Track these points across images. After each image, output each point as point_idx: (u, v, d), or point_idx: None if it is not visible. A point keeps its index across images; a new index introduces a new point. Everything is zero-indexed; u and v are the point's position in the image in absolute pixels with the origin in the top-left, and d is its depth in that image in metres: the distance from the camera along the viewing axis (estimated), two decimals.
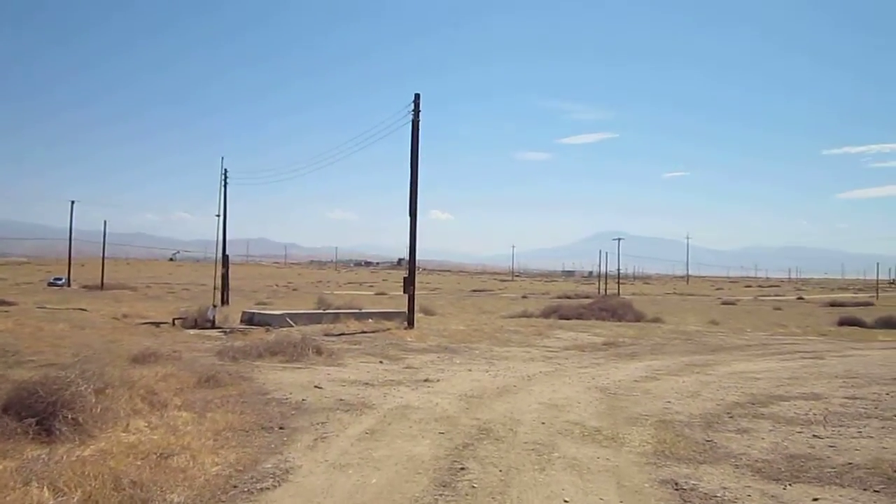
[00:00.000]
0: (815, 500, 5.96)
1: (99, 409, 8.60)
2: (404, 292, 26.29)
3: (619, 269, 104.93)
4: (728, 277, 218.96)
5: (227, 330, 22.08)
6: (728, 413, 10.24)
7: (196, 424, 8.64)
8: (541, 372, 15.25)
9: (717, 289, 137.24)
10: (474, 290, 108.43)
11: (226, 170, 37.56)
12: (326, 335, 21.20)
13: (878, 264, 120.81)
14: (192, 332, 21.84)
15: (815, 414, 10.16)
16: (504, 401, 10.84)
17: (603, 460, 7.25)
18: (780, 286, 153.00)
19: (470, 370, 15.22)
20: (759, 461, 7.23)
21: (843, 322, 39.80)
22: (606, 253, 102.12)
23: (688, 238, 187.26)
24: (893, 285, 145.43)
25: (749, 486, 6.39)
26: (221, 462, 6.99)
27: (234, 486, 6.30)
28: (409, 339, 21.67)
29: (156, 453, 7.12)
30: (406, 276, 26.48)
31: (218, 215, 29.22)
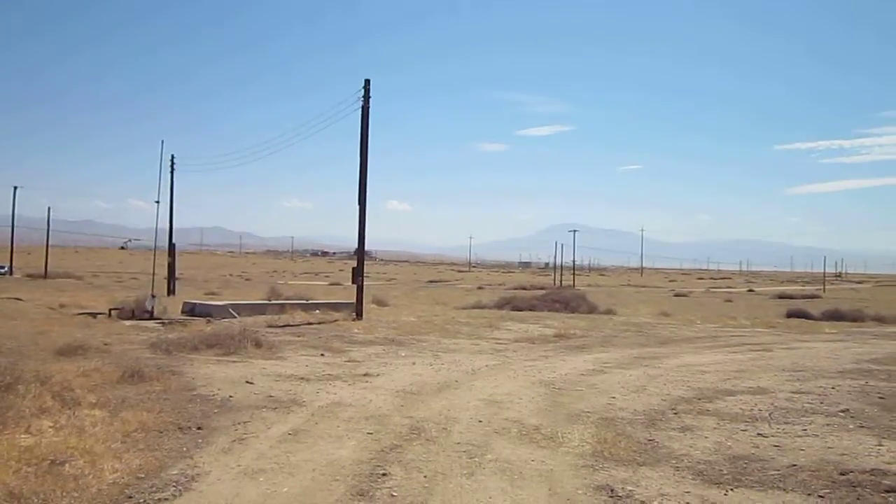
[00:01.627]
0: None
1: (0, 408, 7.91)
2: (353, 282, 25.68)
3: (574, 261, 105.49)
4: (681, 270, 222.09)
5: (166, 321, 21.22)
6: (672, 409, 9.93)
7: (106, 425, 7.98)
8: (486, 365, 14.83)
9: (671, 281, 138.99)
10: (430, 281, 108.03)
11: (172, 155, 36.37)
12: (270, 327, 20.49)
13: (825, 258, 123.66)
14: (128, 323, 20.91)
15: (760, 410, 9.90)
16: (443, 397, 10.36)
17: (538, 463, 6.81)
18: (732, 278, 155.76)
19: (413, 363, 14.72)
20: (700, 463, 6.87)
21: (791, 314, 40.33)
22: (562, 245, 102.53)
23: (642, 231, 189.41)
24: (839, 278, 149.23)
25: (688, 492, 6.01)
26: (122, 468, 6.37)
27: (129, 497, 5.70)
28: (355, 331, 21.08)
29: (50, 458, 6.48)
30: (355, 266, 25.85)
31: (157, 201, 28.17)
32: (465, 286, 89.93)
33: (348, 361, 14.75)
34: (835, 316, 38.95)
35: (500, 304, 39.20)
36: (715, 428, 8.47)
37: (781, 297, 72.21)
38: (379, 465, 6.54)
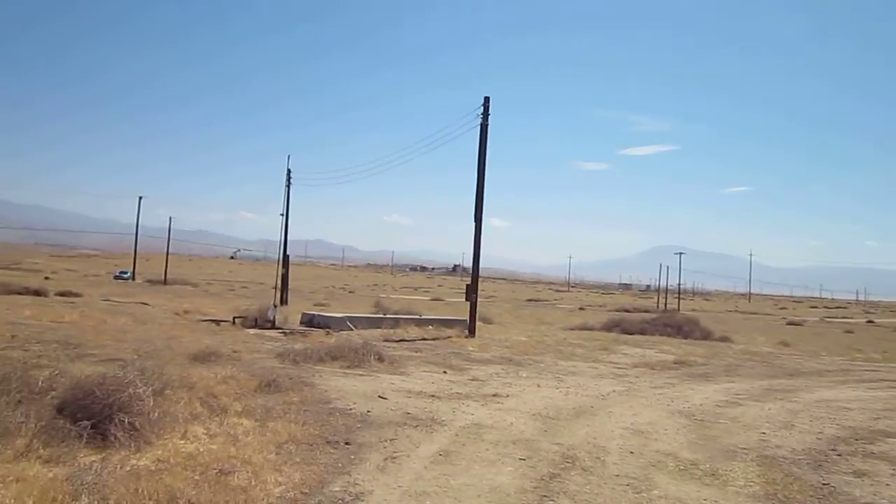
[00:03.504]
0: None
1: (157, 414, 8.12)
2: (466, 299, 25.58)
3: (679, 284, 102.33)
4: (791, 296, 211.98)
5: (287, 331, 21.69)
6: (833, 449, 9.26)
7: (257, 434, 8.08)
8: (614, 391, 14.38)
9: (781, 308, 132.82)
10: (529, 300, 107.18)
11: (289, 169, 37.43)
12: (386, 341, 20.63)
13: None
14: (251, 331, 21.51)
15: None
16: (583, 423, 10.02)
17: (709, 503, 6.40)
18: (847, 308, 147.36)
19: (538, 385, 14.44)
20: None
21: None
22: (667, 267, 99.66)
23: (751, 254, 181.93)
24: None
25: None
26: (285, 482, 6.38)
27: None
28: (470, 349, 20.96)
29: (215, 468, 6.56)
30: (469, 283, 25.76)
31: (282, 214, 29.01)
32: (565, 306, 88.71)
33: (472, 380, 14.60)
34: None
35: (609, 327, 38.23)
36: (893, 474, 7.80)
37: None
38: (545, 496, 6.30)
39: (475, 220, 25.14)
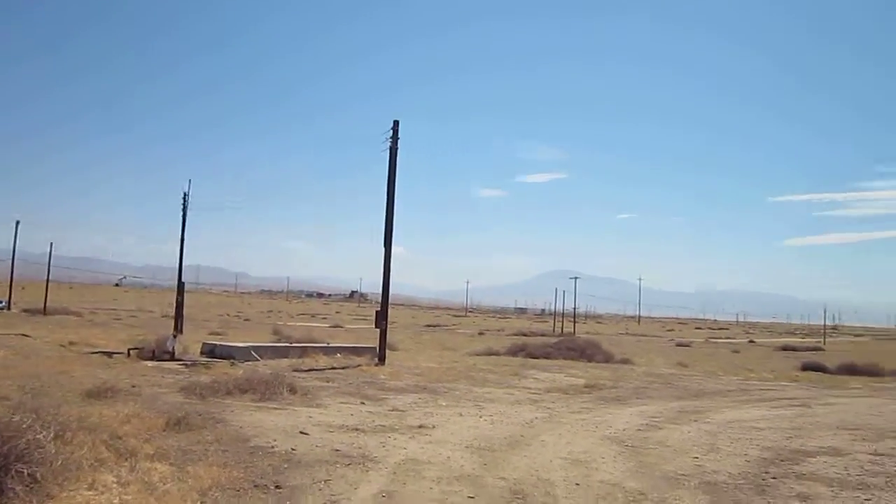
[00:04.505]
0: None
1: (59, 462, 7.22)
2: (376, 326, 24.98)
3: (574, 308, 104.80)
4: (678, 319, 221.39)
5: (189, 363, 20.43)
6: (766, 472, 9.32)
7: (176, 481, 7.31)
8: (536, 418, 14.20)
9: (669, 329, 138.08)
10: (428, 325, 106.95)
11: (185, 194, 35.83)
12: (296, 371, 19.76)
13: (825, 310, 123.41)
14: (149, 364, 20.11)
15: (861, 475, 9.30)
16: (519, 454, 9.70)
17: None
18: (729, 329, 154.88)
19: (461, 414, 14.07)
20: None
21: (806, 367, 39.64)
22: (563, 291, 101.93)
23: (640, 279, 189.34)
24: (836, 330, 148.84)
25: None
26: None
27: None
28: (383, 377, 20.39)
29: None
30: (377, 309, 25.21)
31: (182, 239, 27.45)
32: (464, 331, 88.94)
33: (392, 411, 14.08)
34: (851, 370, 38.11)
35: (514, 351, 38.46)
36: (833, 497, 7.86)
37: (785, 348, 71.45)
38: None
39: (385, 246, 24.68)
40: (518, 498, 7.25)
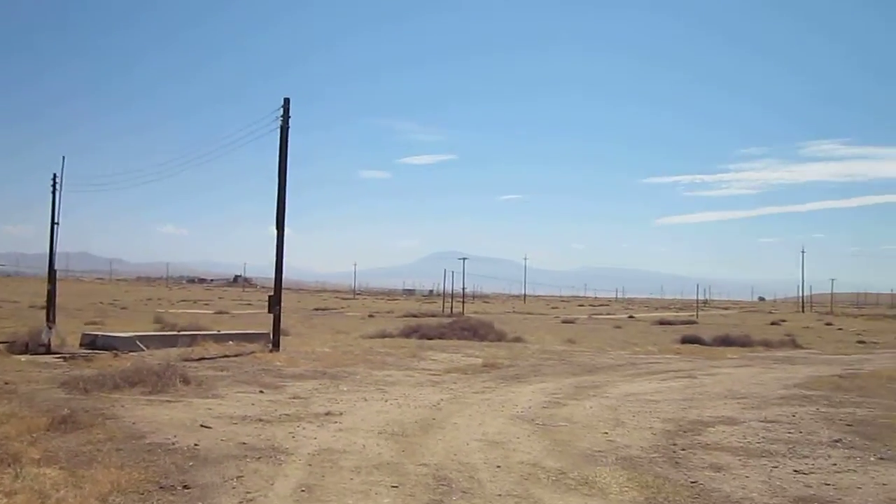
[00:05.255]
0: None
1: None
2: (269, 311, 24.15)
3: (463, 288, 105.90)
4: (561, 297, 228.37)
5: (67, 355, 19.03)
6: (674, 444, 9.57)
7: (71, 487, 6.65)
8: (442, 399, 14.09)
9: (553, 307, 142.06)
10: (317, 309, 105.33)
11: (55, 174, 33.40)
12: (186, 360, 18.80)
13: (697, 285, 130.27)
14: (23, 358, 18.58)
15: (760, 442, 9.71)
16: (434, 438, 9.52)
17: None
18: (610, 305, 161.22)
19: (365, 399, 13.77)
20: None
21: (686, 340, 41.52)
22: (452, 272, 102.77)
23: (525, 259, 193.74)
24: (706, 304, 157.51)
25: None
26: None
27: None
28: (278, 364, 19.73)
29: None
30: (271, 294, 24.39)
31: (56, 223, 25.60)
32: (354, 314, 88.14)
33: (294, 399, 13.60)
34: (725, 341, 40.26)
35: (408, 333, 38.29)
36: (743, 466, 8.12)
37: (662, 322, 74.92)
38: None
39: (277, 228, 23.86)
40: (443, 484, 7.06)
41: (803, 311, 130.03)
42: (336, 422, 10.74)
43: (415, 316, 70.95)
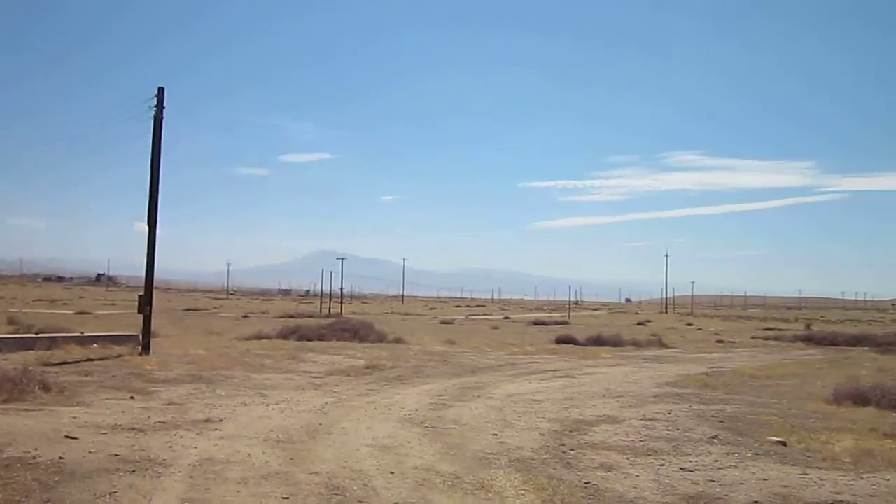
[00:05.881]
0: None
1: None
2: (139, 312, 22.81)
3: (342, 289, 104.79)
4: (438, 298, 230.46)
5: None
6: (562, 444, 9.69)
7: None
8: (326, 403, 13.73)
9: (431, 308, 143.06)
10: (188, 309, 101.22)
11: None
12: (46, 365, 17.42)
13: (569, 287, 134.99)
14: None
15: (640, 440, 9.97)
16: (323, 445, 9.18)
17: None
18: (486, 306, 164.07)
19: (245, 404, 13.20)
20: None
21: (560, 340, 42.70)
22: (331, 272, 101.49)
23: (404, 260, 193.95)
24: (578, 305, 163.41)
25: None
26: None
27: None
28: (149, 368, 18.66)
29: None
30: (142, 294, 23.04)
31: None
32: (227, 315, 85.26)
33: (169, 405, 12.83)
34: (598, 341, 41.70)
35: (286, 334, 37.30)
36: (631, 465, 8.29)
37: (536, 323, 76.96)
38: None
39: (149, 224, 22.55)
40: (336, 494, 6.76)
41: (666, 312, 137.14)
42: (216, 429, 10.18)
43: (292, 317, 69.39)
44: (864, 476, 7.62)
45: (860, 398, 14.42)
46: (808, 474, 7.71)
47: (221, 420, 11.00)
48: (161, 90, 22.80)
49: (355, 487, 6.98)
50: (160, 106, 22.62)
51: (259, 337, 37.32)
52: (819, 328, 68.37)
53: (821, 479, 7.45)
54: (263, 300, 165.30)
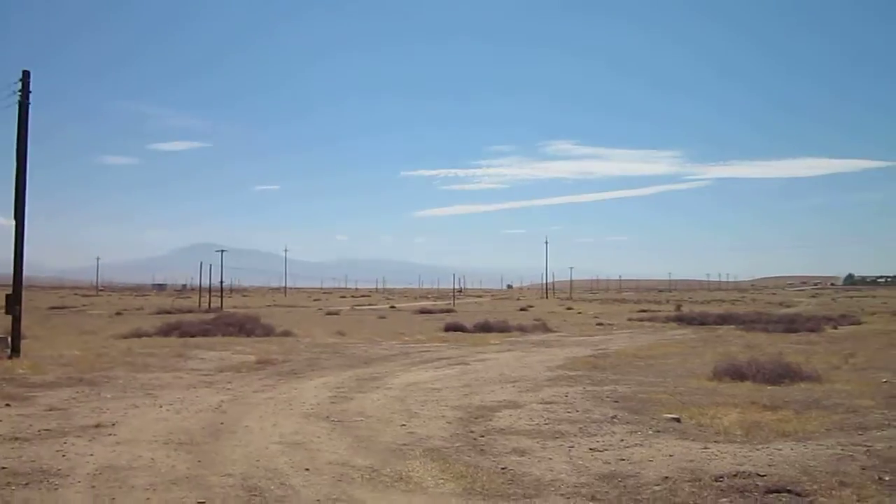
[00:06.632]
0: None
1: None
2: (7, 312, 21.25)
3: (221, 282, 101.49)
4: (322, 288, 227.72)
5: None
6: (471, 432, 9.79)
7: None
8: (223, 401, 13.27)
9: (316, 300, 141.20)
10: (54, 308, 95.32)
11: None
12: None
13: (454, 275, 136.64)
14: None
15: (545, 423, 10.23)
16: (230, 445, 8.86)
17: None
18: (371, 296, 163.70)
19: (136, 406, 12.56)
20: (581, 486, 6.77)
21: (449, 328, 43.18)
22: (210, 265, 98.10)
23: (286, 250, 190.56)
24: (461, 293, 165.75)
25: None
26: None
27: None
28: (22, 372, 17.43)
29: None
30: (9, 293, 21.45)
31: None
32: (98, 312, 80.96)
33: (51, 411, 12.03)
34: (486, 328, 42.44)
35: (167, 331, 35.78)
36: (543, 448, 8.47)
37: (423, 311, 77.50)
38: None
39: (16, 218, 21.07)
40: (255, 495, 6.55)
41: (547, 297, 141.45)
42: (111, 434, 9.63)
43: (169, 312, 66.67)
44: (759, 447, 8.15)
45: (737, 374, 15.38)
46: (708, 448, 8.16)
47: (114, 424, 10.41)
48: (26, 73, 21.26)
49: (273, 487, 6.79)
50: (25, 91, 21.10)
51: (138, 335, 35.59)
52: (689, 309, 72.64)
53: (721, 453, 7.90)
54: (137, 296, 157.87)
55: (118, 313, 75.50)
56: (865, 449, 7.99)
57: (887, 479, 6.89)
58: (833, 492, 6.49)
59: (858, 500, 6.26)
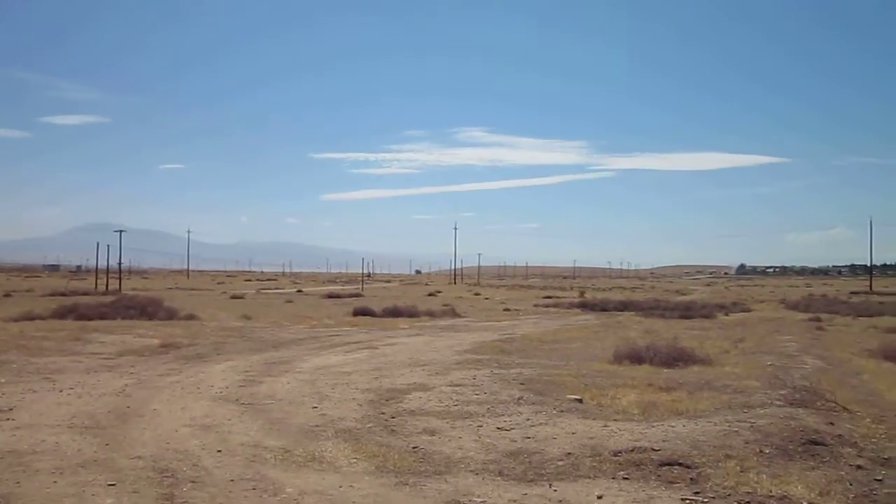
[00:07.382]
0: (599, 497, 5.99)
1: None
2: None
3: (120, 264, 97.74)
4: (226, 271, 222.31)
5: None
6: (382, 413, 9.99)
7: None
8: (127, 385, 13.00)
9: (219, 283, 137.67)
10: None
11: None
12: None
13: (363, 259, 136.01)
14: None
15: (454, 405, 10.54)
16: (138, 428, 8.74)
17: (347, 489, 6.21)
18: (277, 279, 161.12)
19: (34, 391, 12.13)
20: (490, 463, 7.06)
21: (357, 312, 43.10)
22: (108, 246, 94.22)
23: (189, 232, 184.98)
24: (370, 277, 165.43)
25: (525, 494, 6.13)
26: None
27: None
28: None
29: None
30: None
31: None
32: None
33: None
34: (395, 312, 42.56)
35: (62, 314, 34.29)
36: (452, 428, 8.75)
37: (331, 296, 77.00)
38: None
39: None
40: (167, 476, 6.53)
41: (455, 283, 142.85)
42: (9, 419, 9.32)
43: (64, 294, 63.79)
44: (655, 425, 8.69)
45: (636, 358, 16.17)
46: (608, 426, 8.64)
47: (11, 409, 10.07)
48: None
49: (185, 468, 6.79)
50: None
51: (30, 317, 33.97)
52: (591, 295, 74.87)
53: (620, 430, 8.39)
54: (27, 277, 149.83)
55: (7, 295, 71.57)
56: (750, 425, 8.65)
57: (767, 451, 7.52)
58: (719, 463, 7.05)
59: (741, 471, 6.83)
